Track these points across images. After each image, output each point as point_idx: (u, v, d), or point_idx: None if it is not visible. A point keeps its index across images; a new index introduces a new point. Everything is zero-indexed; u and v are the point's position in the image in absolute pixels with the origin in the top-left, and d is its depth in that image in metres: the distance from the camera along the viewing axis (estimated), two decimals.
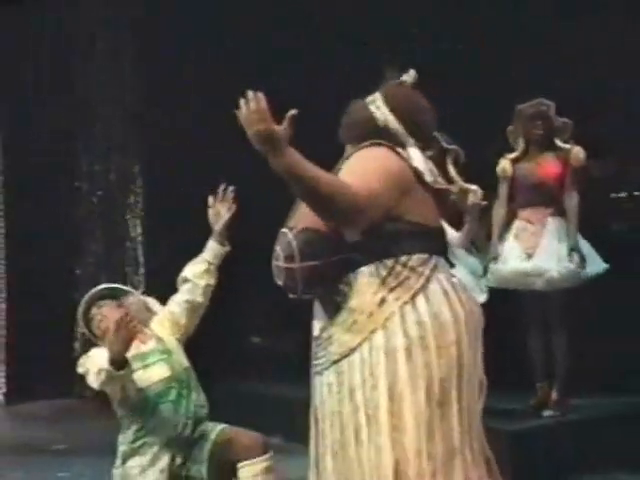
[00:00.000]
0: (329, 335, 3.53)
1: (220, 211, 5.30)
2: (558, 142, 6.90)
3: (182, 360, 5.18)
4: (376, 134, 3.74)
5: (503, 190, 6.96)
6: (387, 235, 3.53)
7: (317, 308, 3.66)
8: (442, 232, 3.86)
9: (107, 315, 5.15)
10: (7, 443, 8.09)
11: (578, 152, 6.82)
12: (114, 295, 5.37)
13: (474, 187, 4.32)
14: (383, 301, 3.52)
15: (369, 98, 3.87)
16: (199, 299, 5.27)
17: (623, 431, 6.89)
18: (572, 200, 6.81)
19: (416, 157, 3.76)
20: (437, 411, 3.52)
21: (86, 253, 9.94)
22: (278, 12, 9.63)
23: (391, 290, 3.52)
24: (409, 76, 3.91)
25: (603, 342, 7.57)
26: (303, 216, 3.61)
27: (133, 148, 10.11)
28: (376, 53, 8.66)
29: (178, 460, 5.04)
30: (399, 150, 3.73)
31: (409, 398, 3.50)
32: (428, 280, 3.60)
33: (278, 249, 3.60)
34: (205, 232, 5.42)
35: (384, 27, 9.20)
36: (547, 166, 6.90)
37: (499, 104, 7.52)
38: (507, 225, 6.97)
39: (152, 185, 9.98)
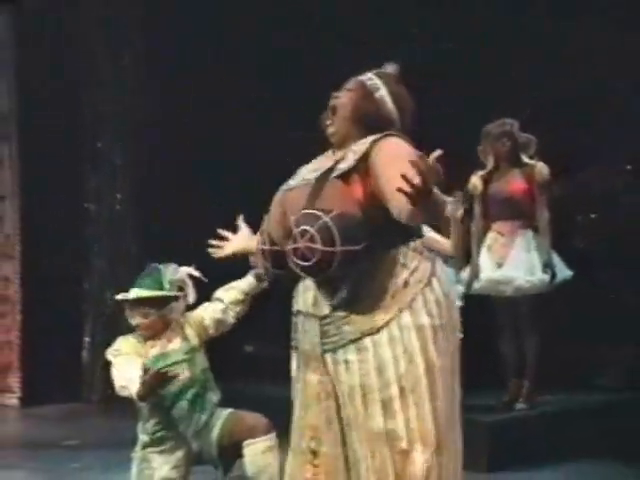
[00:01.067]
0: (345, 315, 3.54)
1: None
2: (524, 158, 7.10)
3: (202, 361, 5.25)
4: (380, 123, 3.71)
5: (477, 206, 7.15)
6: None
7: (309, 287, 3.65)
8: None
9: (151, 324, 5.15)
10: (23, 440, 8.39)
11: (542, 168, 7.04)
12: (155, 302, 5.23)
13: (450, 199, 4.27)
14: (407, 283, 3.55)
15: (371, 83, 3.78)
16: (230, 320, 5.35)
17: (586, 423, 7.17)
18: (543, 217, 7.02)
19: None
20: (450, 379, 3.62)
21: (93, 268, 9.92)
22: (278, 12, 9.42)
23: (412, 273, 3.56)
24: (393, 68, 3.89)
25: (567, 344, 7.86)
26: (336, 200, 3.55)
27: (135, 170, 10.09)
28: (375, 53, 8.94)
29: (194, 448, 5.17)
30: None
31: (439, 369, 3.56)
32: (434, 263, 3.71)
33: (312, 230, 3.48)
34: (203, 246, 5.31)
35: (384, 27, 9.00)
36: (515, 182, 7.09)
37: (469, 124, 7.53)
38: (483, 237, 7.17)
39: (149, 203, 9.85)
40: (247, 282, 5.39)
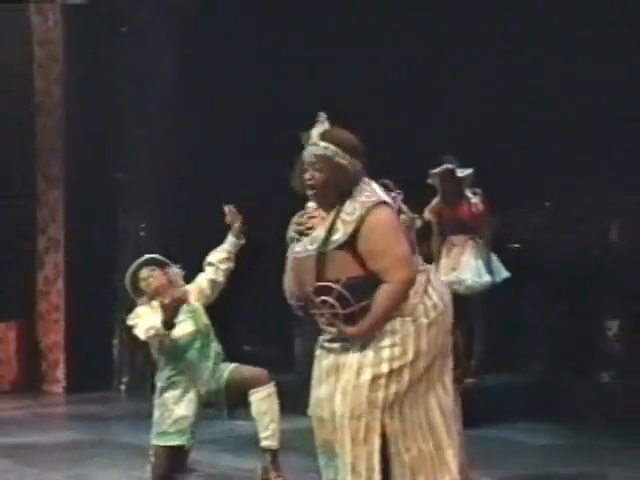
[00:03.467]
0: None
1: (235, 216, 5.69)
2: (467, 191, 7.83)
3: (204, 319, 5.51)
4: (351, 179, 3.84)
5: (434, 227, 7.90)
6: None
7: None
8: None
9: (157, 277, 5.46)
10: (70, 415, 9.24)
11: (476, 203, 7.82)
12: (159, 263, 5.58)
13: (415, 215, 4.62)
14: (407, 297, 3.76)
15: (330, 153, 3.83)
16: (220, 279, 5.64)
17: (519, 394, 7.85)
18: (484, 233, 7.85)
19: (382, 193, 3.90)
20: (439, 363, 3.82)
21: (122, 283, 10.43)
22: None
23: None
24: (322, 118, 3.94)
25: (508, 332, 8.40)
26: (340, 268, 3.74)
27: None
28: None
29: (202, 391, 5.39)
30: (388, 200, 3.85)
31: (425, 357, 3.76)
32: (429, 273, 3.88)
33: (331, 300, 3.70)
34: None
35: None
36: (461, 209, 7.87)
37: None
38: (440, 248, 7.90)
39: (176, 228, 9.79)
40: (229, 242, 5.71)
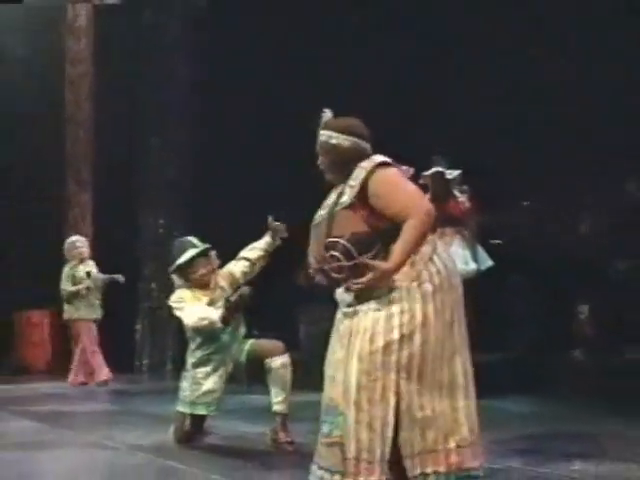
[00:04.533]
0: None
1: (278, 228, 5.58)
2: (455, 191, 7.82)
3: None
4: (353, 157, 3.86)
5: None
6: None
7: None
8: None
9: (211, 271, 5.41)
10: (97, 390, 9.10)
11: (464, 202, 7.80)
12: (205, 253, 5.46)
13: None
14: (413, 263, 3.71)
15: (329, 139, 3.89)
16: (254, 273, 5.58)
17: (507, 369, 7.85)
18: (471, 226, 7.83)
19: None
20: (447, 329, 3.72)
21: (144, 277, 10.43)
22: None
23: (416, 254, 3.72)
24: (326, 114, 3.99)
25: (495, 317, 8.37)
26: (346, 226, 3.75)
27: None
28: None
29: (230, 368, 5.35)
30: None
31: (433, 323, 3.69)
32: (434, 244, 3.82)
33: (337, 253, 3.71)
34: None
35: None
36: (449, 208, 7.77)
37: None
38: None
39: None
40: (265, 242, 5.62)
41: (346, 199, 3.82)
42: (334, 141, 3.91)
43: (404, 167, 3.96)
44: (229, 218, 9.62)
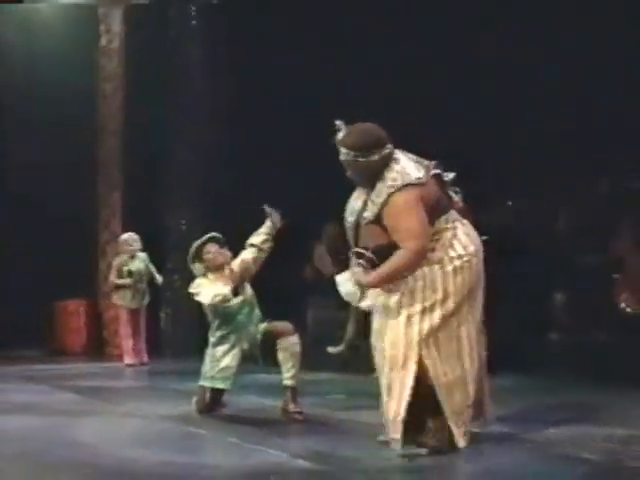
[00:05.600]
0: None
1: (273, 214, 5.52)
2: (450, 192, 8.24)
3: (249, 289, 5.46)
4: (374, 167, 3.87)
5: None
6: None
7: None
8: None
9: (222, 253, 5.41)
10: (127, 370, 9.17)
11: (457, 201, 8.05)
12: (222, 242, 5.48)
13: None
14: (434, 249, 3.86)
15: (345, 153, 3.86)
16: (263, 256, 5.47)
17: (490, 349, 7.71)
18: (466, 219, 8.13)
19: (410, 165, 3.93)
20: (466, 306, 3.85)
21: (168, 269, 10.16)
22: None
23: (437, 241, 3.88)
24: (339, 126, 3.96)
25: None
26: (370, 238, 3.86)
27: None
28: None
29: (246, 347, 5.35)
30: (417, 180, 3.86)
31: (453, 297, 3.82)
32: (455, 229, 3.97)
33: (363, 262, 3.86)
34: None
35: None
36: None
37: None
38: None
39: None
40: (266, 226, 5.53)
41: (369, 215, 3.90)
42: (353, 159, 3.89)
43: (426, 162, 4.04)
44: (248, 217, 9.59)
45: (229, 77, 9.98)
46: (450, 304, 3.83)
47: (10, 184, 11.56)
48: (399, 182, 3.84)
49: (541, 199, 8.83)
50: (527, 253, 8.48)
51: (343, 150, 3.90)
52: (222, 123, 10.07)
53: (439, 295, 3.81)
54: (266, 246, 5.52)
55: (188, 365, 8.08)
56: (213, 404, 5.47)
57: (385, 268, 3.81)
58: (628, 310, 7.55)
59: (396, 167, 3.90)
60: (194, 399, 5.55)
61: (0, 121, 11.37)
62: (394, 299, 3.85)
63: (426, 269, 3.83)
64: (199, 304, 5.42)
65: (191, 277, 5.56)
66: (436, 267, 3.84)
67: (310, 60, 9.47)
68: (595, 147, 7.90)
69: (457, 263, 3.84)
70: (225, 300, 5.17)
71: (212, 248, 5.43)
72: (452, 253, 3.86)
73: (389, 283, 3.84)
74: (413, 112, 8.55)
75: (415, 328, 3.81)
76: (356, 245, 3.91)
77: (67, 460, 4.16)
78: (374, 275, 3.87)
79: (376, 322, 3.97)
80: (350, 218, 3.97)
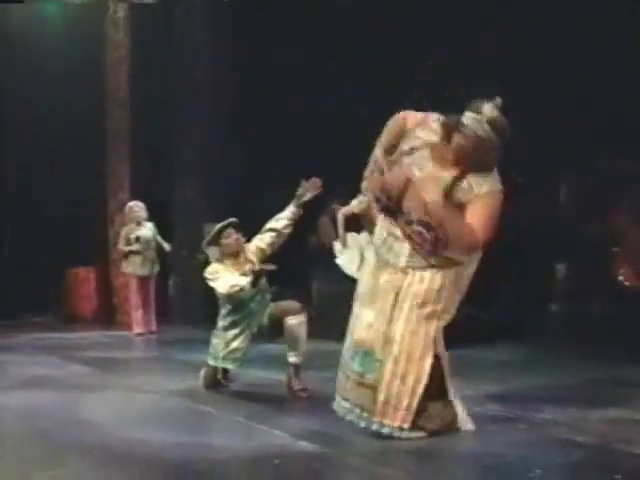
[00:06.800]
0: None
1: (307, 189, 5.43)
2: None
3: (263, 277, 5.40)
4: (486, 157, 3.82)
5: None
6: None
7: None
8: None
9: (240, 240, 5.39)
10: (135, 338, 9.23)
11: None
12: (239, 228, 5.46)
13: None
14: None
15: (482, 134, 3.73)
16: (280, 242, 5.51)
17: (489, 322, 7.80)
18: None
19: None
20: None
21: (176, 238, 10.19)
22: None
23: None
24: (498, 102, 3.83)
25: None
26: (417, 204, 3.80)
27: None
28: None
29: (255, 329, 5.39)
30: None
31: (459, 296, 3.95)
32: None
33: (426, 234, 3.77)
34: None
35: None
36: None
37: None
38: None
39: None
40: (290, 211, 5.50)
41: (458, 198, 3.80)
42: (486, 139, 3.76)
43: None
44: (253, 188, 9.66)
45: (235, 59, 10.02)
46: (457, 301, 3.97)
47: (19, 154, 11.58)
48: (495, 187, 3.85)
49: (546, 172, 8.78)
50: (528, 228, 8.45)
51: (486, 126, 3.76)
52: (226, 99, 10.07)
53: (458, 297, 3.91)
54: (286, 231, 5.49)
55: (196, 333, 8.19)
56: (219, 380, 5.56)
57: (450, 233, 3.72)
58: (627, 284, 7.57)
59: (496, 176, 3.92)
60: (201, 374, 5.63)
61: (10, 84, 11.33)
62: (417, 285, 3.83)
63: (456, 269, 3.86)
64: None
65: (199, 246, 5.60)
66: (461, 268, 3.88)
67: (310, 56, 9.47)
68: (597, 122, 7.81)
69: (470, 269, 3.93)
70: (242, 291, 5.18)
71: (232, 234, 5.39)
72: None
73: (437, 250, 3.76)
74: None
75: (434, 324, 3.86)
76: (396, 199, 3.78)
77: (77, 442, 4.24)
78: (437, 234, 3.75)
79: (381, 301, 3.91)
80: (417, 173, 3.84)
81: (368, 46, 9.06)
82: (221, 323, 5.44)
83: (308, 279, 9.23)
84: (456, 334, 7.15)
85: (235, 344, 5.37)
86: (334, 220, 10.10)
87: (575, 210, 8.47)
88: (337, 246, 4.41)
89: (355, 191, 4.38)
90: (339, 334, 7.75)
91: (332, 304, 8.14)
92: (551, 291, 8.31)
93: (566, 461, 3.71)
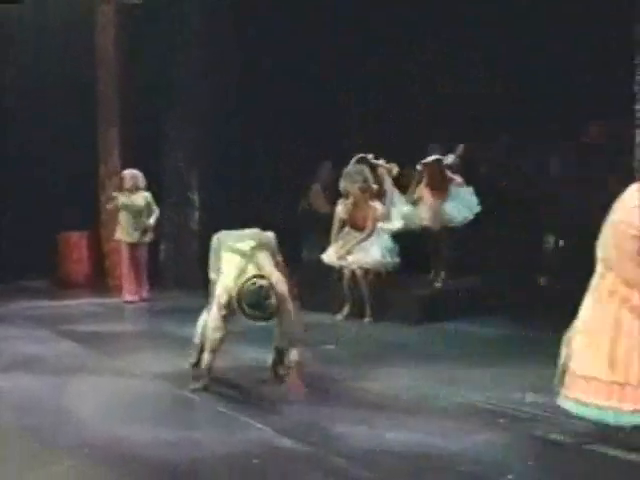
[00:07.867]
0: None
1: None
2: (448, 172, 7.90)
3: None
4: None
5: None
6: None
7: None
8: None
9: None
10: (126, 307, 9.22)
11: (456, 179, 7.96)
12: None
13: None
14: None
15: None
16: None
17: (474, 296, 7.87)
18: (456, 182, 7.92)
19: None
20: None
21: (168, 203, 10.19)
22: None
23: None
24: None
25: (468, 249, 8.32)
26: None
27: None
28: None
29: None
30: None
31: None
32: None
33: None
34: None
35: None
36: (442, 193, 7.88)
37: None
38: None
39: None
40: None
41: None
42: None
43: None
44: (243, 155, 9.62)
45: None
46: None
47: (11, 118, 11.46)
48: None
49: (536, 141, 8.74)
50: (519, 200, 8.48)
51: None
52: (220, 62, 10.03)
53: None
54: None
55: (186, 301, 8.18)
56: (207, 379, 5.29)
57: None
58: None
59: None
60: (190, 357, 5.48)
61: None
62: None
63: None
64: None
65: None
66: None
67: (310, 54, 9.49)
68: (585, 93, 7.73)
69: None
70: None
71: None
72: None
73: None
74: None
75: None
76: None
77: (64, 439, 4.29)
78: None
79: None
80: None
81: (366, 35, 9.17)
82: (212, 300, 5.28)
83: (298, 246, 9.22)
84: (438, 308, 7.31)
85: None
86: (325, 188, 10.21)
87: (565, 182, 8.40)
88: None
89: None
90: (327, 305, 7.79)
91: (321, 273, 8.11)
92: (540, 264, 8.36)
93: (544, 461, 3.78)
